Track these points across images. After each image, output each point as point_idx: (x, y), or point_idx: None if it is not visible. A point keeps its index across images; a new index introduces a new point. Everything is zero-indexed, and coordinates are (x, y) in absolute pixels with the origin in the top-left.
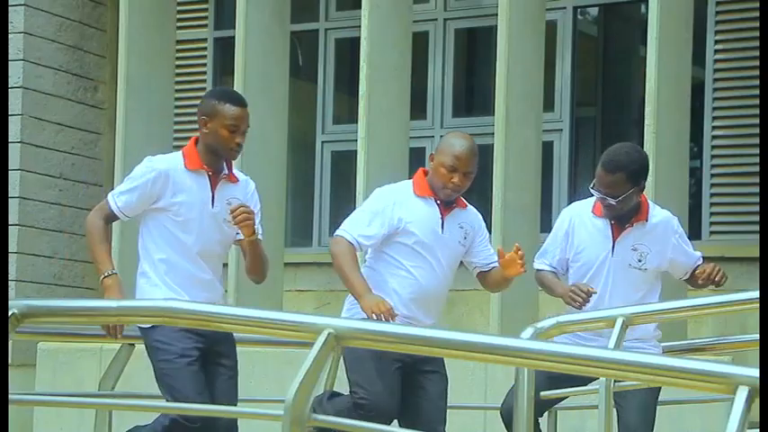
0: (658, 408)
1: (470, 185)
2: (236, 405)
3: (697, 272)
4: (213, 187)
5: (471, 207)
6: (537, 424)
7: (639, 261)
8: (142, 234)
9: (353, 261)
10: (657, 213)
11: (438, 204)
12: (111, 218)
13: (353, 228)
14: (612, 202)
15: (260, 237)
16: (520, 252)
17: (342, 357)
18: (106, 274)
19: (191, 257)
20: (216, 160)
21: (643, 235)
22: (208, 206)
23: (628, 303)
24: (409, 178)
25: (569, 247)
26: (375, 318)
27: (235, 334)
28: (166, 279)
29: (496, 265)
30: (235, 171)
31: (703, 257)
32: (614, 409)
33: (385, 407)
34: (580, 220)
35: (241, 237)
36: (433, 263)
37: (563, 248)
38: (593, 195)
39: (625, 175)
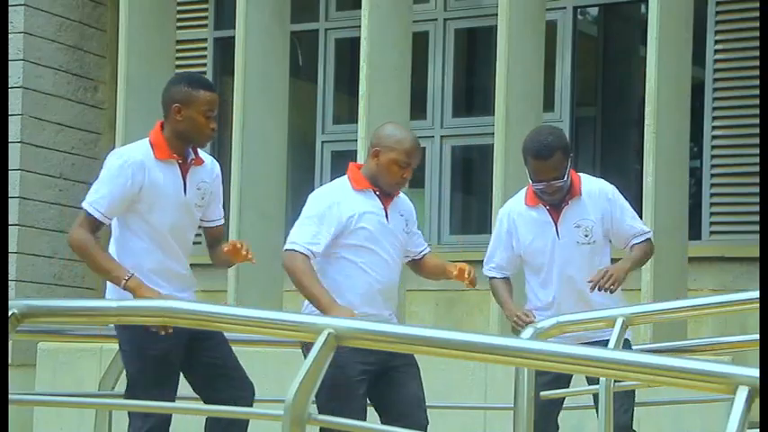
0: (659, 408)
1: (468, 185)
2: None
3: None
4: (184, 175)
5: (403, 194)
6: (556, 422)
7: (586, 236)
8: (118, 227)
9: (312, 273)
10: (590, 184)
11: (378, 196)
12: (96, 227)
13: (301, 238)
14: (561, 183)
15: (221, 221)
16: (470, 274)
17: None
18: (126, 278)
19: (164, 247)
20: (184, 147)
21: (581, 209)
22: (180, 195)
23: (588, 278)
24: (412, 184)
25: (517, 245)
26: None
27: (235, 334)
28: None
29: (428, 251)
30: (200, 153)
31: (704, 258)
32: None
33: None
34: (517, 215)
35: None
36: (384, 255)
37: (509, 248)
38: (524, 188)
39: (561, 152)
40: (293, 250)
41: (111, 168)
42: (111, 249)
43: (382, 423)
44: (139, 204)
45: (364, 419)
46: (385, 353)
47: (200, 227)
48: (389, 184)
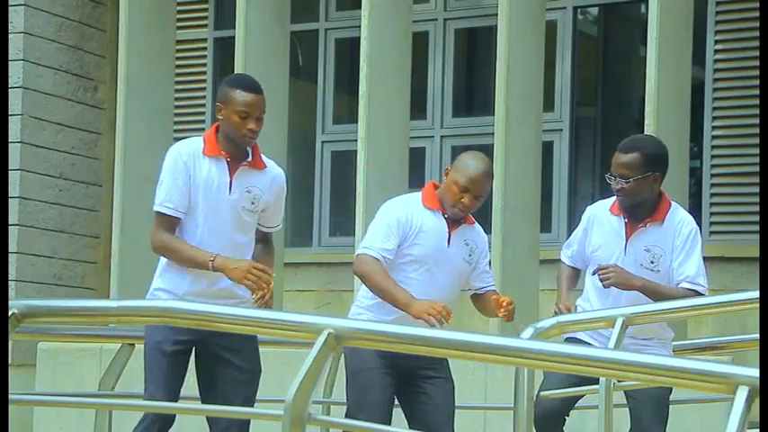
0: None
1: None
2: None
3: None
4: (231, 173)
5: (478, 225)
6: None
7: (652, 263)
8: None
9: (386, 274)
10: (677, 214)
11: (446, 219)
12: (171, 225)
13: (374, 243)
14: (623, 183)
15: (277, 228)
16: (509, 306)
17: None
18: (212, 260)
19: (199, 244)
20: (234, 147)
21: (657, 236)
22: (225, 192)
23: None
24: (412, 184)
25: (588, 245)
26: (433, 321)
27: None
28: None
29: (491, 289)
30: (265, 159)
31: (704, 258)
32: (627, 407)
33: None
34: (598, 217)
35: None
36: (438, 276)
37: (581, 244)
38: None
39: (640, 155)
40: (366, 254)
41: (167, 164)
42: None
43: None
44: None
45: (387, 413)
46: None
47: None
48: (447, 205)
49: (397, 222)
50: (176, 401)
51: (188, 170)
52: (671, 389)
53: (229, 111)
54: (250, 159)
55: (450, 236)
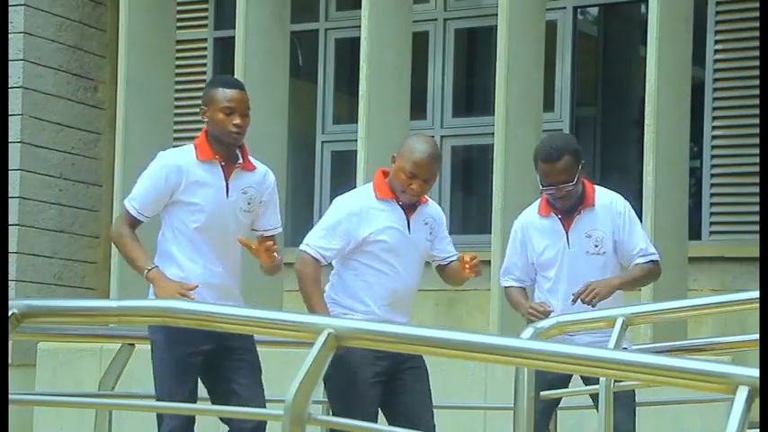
0: (658, 408)
1: (468, 185)
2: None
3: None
4: (227, 177)
5: (432, 201)
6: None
7: (596, 246)
8: (162, 227)
9: (315, 282)
10: (604, 196)
11: (401, 206)
12: (133, 223)
13: (316, 241)
14: (570, 186)
15: (279, 229)
16: (473, 261)
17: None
18: (149, 269)
19: (200, 249)
20: (225, 149)
21: (593, 219)
22: (222, 196)
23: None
24: None
25: (531, 253)
26: None
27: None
28: (168, 265)
29: (455, 257)
30: (252, 160)
31: (704, 258)
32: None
33: None
34: (530, 225)
35: (262, 231)
36: (403, 264)
37: (525, 257)
38: (538, 199)
39: (570, 156)
40: (305, 252)
41: (150, 168)
42: (158, 252)
43: (389, 425)
44: (182, 205)
45: (376, 422)
46: (397, 355)
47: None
48: (398, 192)
49: (343, 225)
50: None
51: (168, 183)
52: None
53: (213, 110)
54: (241, 161)
55: (409, 222)
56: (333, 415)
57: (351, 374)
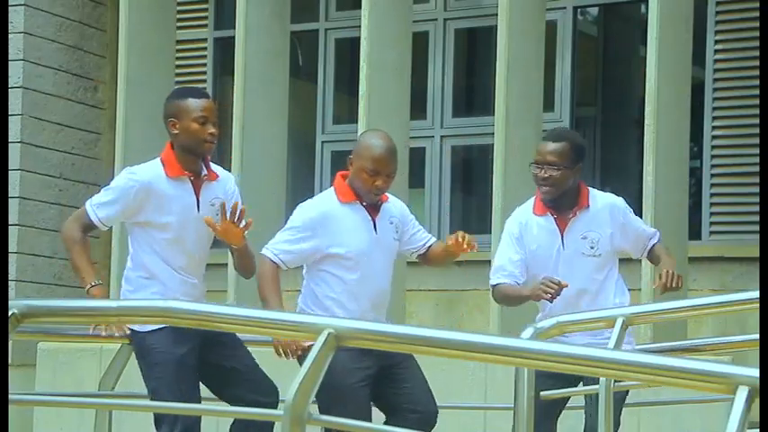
0: (658, 408)
1: (470, 186)
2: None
3: (655, 284)
4: (197, 192)
5: (393, 198)
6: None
7: (592, 248)
8: (131, 241)
9: (274, 284)
10: (600, 197)
11: (365, 207)
12: (89, 228)
13: (279, 245)
14: (555, 171)
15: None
16: (466, 238)
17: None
18: (92, 284)
19: (177, 264)
20: (194, 161)
21: (589, 221)
22: (193, 212)
23: (588, 294)
24: (412, 184)
25: (526, 250)
26: (282, 353)
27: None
28: (150, 284)
29: (432, 241)
30: (213, 167)
31: (704, 258)
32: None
33: None
34: (525, 222)
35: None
36: (372, 266)
37: (520, 254)
38: (531, 198)
39: (570, 145)
40: (266, 256)
41: (119, 181)
42: (129, 266)
43: (391, 422)
44: (155, 224)
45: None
46: (381, 353)
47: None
48: (362, 193)
49: (310, 224)
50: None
51: (135, 198)
52: (623, 395)
53: (186, 121)
54: (206, 173)
55: (375, 223)
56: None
57: (335, 382)
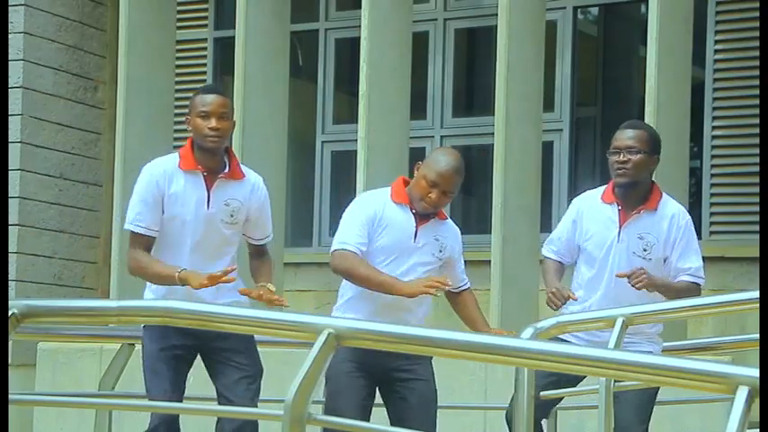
0: (658, 408)
1: (468, 185)
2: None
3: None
4: (209, 187)
5: (451, 222)
6: (540, 426)
7: (644, 250)
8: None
9: (368, 264)
10: (670, 205)
11: (414, 214)
12: (145, 243)
13: (350, 238)
14: (635, 155)
15: (269, 239)
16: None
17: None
18: (179, 271)
19: (186, 261)
20: (210, 158)
21: (651, 224)
22: (203, 207)
23: (630, 292)
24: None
25: (579, 235)
26: (432, 291)
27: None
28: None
29: (466, 287)
30: (244, 169)
31: (703, 258)
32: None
33: None
34: (588, 207)
35: (251, 240)
36: (404, 272)
37: (570, 235)
38: (605, 185)
39: (647, 134)
40: (344, 249)
41: (139, 182)
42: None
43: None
44: (165, 217)
45: (364, 411)
46: (386, 361)
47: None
48: (415, 200)
49: (366, 217)
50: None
51: (160, 188)
52: (655, 393)
53: (192, 116)
54: (227, 171)
55: (417, 231)
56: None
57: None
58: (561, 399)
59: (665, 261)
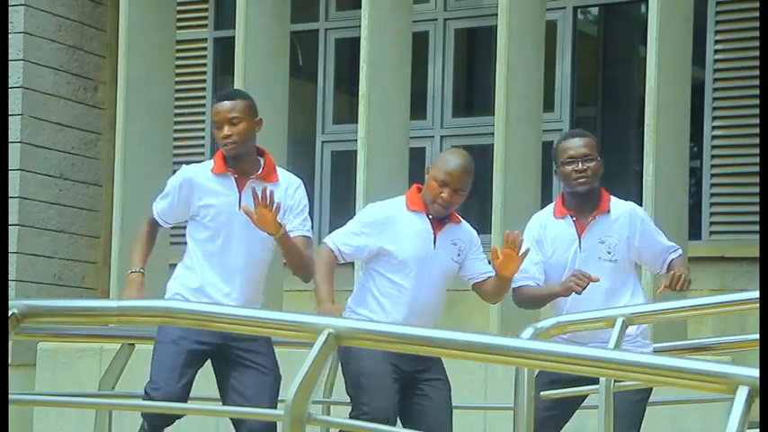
0: (658, 408)
1: (469, 192)
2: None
3: (660, 289)
4: (240, 188)
5: (465, 223)
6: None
7: (609, 253)
8: (187, 241)
9: (328, 269)
10: (619, 204)
11: (430, 220)
12: (153, 223)
13: (339, 237)
14: (592, 162)
15: (308, 233)
16: (518, 239)
17: (341, 370)
18: (132, 271)
19: (218, 264)
20: (240, 160)
21: (608, 226)
22: (234, 209)
23: (603, 296)
24: (412, 184)
25: (545, 254)
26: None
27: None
28: (187, 282)
29: (492, 274)
30: (279, 171)
31: (704, 258)
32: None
33: (388, 421)
34: (545, 224)
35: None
36: (424, 279)
37: (540, 255)
38: (553, 202)
39: (593, 141)
40: (325, 244)
41: (171, 178)
42: (183, 265)
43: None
44: (197, 219)
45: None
46: (414, 360)
47: None
48: (428, 203)
49: (375, 223)
50: (185, 397)
51: (179, 193)
52: (647, 395)
53: (214, 124)
54: (260, 172)
55: (435, 237)
56: (349, 397)
57: (362, 355)
58: (575, 410)
59: (629, 258)
